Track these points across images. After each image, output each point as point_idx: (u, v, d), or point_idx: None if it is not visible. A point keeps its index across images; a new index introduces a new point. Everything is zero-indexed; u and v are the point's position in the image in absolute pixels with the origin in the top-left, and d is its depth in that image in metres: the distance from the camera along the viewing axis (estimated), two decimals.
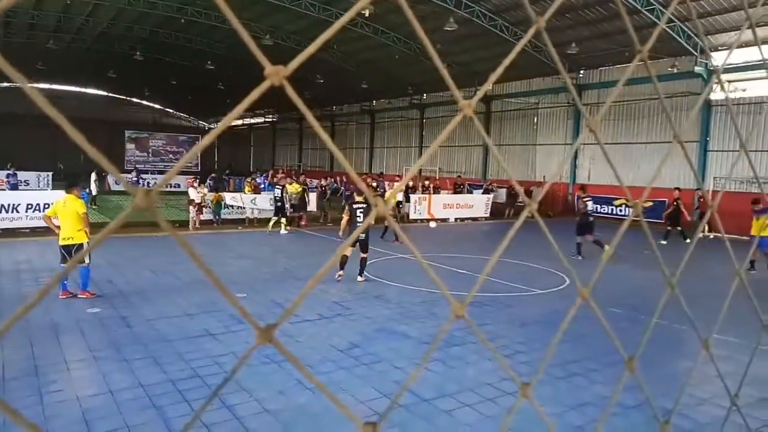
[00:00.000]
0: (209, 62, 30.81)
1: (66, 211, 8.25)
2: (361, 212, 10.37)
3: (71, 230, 8.26)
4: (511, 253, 13.82)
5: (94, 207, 21.43)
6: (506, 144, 29.64)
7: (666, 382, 5.70)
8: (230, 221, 18.38)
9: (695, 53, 20.30)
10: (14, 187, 24.52)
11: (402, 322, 7.78)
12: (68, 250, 8.28)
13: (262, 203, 18.72)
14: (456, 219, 21.88)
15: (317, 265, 12.02)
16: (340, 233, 11.15)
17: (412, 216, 20.65)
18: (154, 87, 43.52)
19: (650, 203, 20.86)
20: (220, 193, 18.93)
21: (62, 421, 4.61)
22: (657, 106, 22.70)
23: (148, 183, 33.89)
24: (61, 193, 9.12)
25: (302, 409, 4.92)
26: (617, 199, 23.07)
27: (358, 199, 10.72)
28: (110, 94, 47.81)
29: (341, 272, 10.22)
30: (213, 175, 25.97)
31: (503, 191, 25.07)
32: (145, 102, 50.42)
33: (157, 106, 51.70)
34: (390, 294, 9.50)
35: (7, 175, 26.00)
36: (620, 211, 22.89)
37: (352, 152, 42.37)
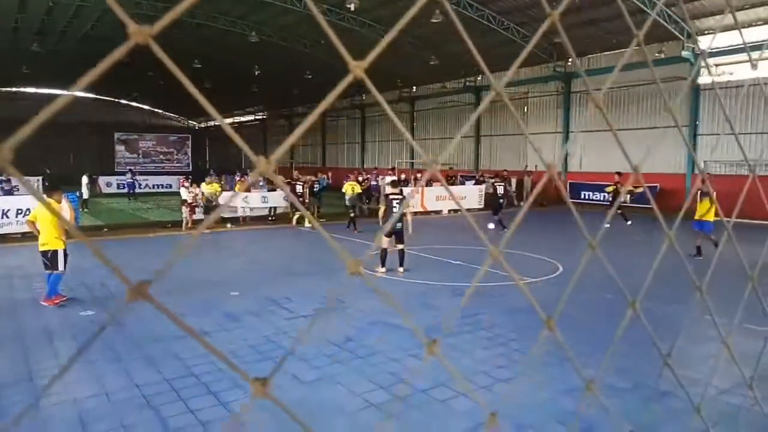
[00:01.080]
0: (196, 61, 30.62)
1: (44, 216, 8.09)
2: (397, 203, 10.58)
3: (47, 236, 8.15)
4: (506, 243, 13.87)
5: (86, 210, 21.30)
6: (497, 134, 29.69)
7: (657, 364, 5.75)
8: (223, 219, 18.31)
9: (682, 38, 20.37)
10: (9, 193, 24.34)
11: (397, 314, 7.77)
12: (44, 255, 8.17)
13: (254, 202, 18.67)
14: (449, 210, 21.91)
15: (311, 261, 12.04)
16: (381, 224, 11.27)
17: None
18: (141, 88, 43.21)
19: (641, 189, 20.96)
20: (218, 185, 18.52)
21: (59, 423, 4.61)
22: (644, 92, 22.78)
23: (140, 185, 33.74)
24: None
25: (298, 404, 4.93)
26: (608, 185, 23.15)
27: (393, 190, 10.90)
28: (98, 97, 47.42)
29: (383, 269, 10.32)
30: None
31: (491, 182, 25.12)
32: (133, 103, 50.08)
33: (146, 107, 51.35)
34: (385, 286, 9.50)
35: (1, 182, 25.80)
36: (611, 197, 22.98)
37: (344, 147, 42.30)
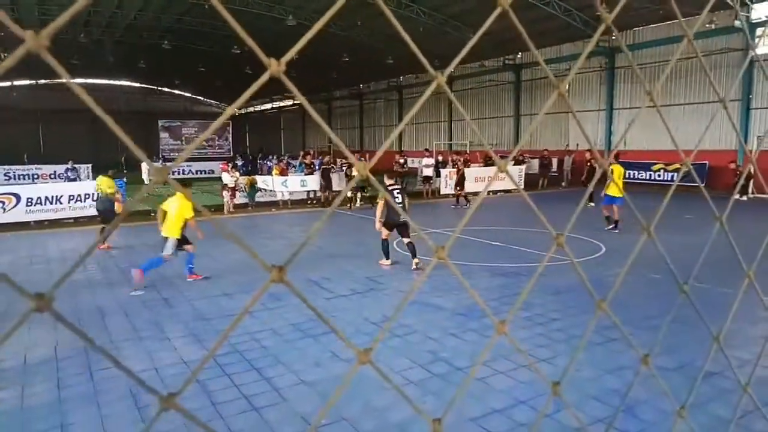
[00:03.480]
0: (235, 47, 30.97)
1: (168, 206, 8.66)
2: (398, 194, 9.71)
3: (170, 225, 8.66)
4: (550, 224, 13.65)
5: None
6: (537, 113, 29.02)
7: (707, 344, 5.58)
8: (264, 204, 18.66)
9: (735, 6, 19.33)
10: (72, 180, 25.63)
11: (435, 294, 7.81)
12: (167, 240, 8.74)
13: (293, 185, 18.91)
14: (488, 192, 21.65)
15: (349, 243, 12.15)
16: (377, 224, 9.59)
17: (443, 191, 20.54)
18: (183, 75, 44.13)
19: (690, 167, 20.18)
20: (252, 176, 19.25)
21: (111, 395, 4.84)
22: (693, 65, 21.82)
23: (183, 171, 34.55)
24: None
25: (338, 380, 5.02)
26: (655, 164, 22.42)
27: (389, 181, 9.93)
28: (142, 85, 48.73)
29: (387, 261, 9.64)
30: (241, 158, 26.48)
31: (536, 162, 24.64)
32: (176, 91, 51.22)
33: (188, 95, 52.48)
34: (403, 275, 9.51)
35: (66, 170, 27.31)
36: (658, 176, 22.26)
37: (381, 130, 42.22)
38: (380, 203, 9.66)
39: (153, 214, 16.92)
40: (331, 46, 29.78)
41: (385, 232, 9.55)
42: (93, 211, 15.61)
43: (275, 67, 0.54)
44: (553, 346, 5.89)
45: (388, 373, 5.19)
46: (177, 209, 8.57)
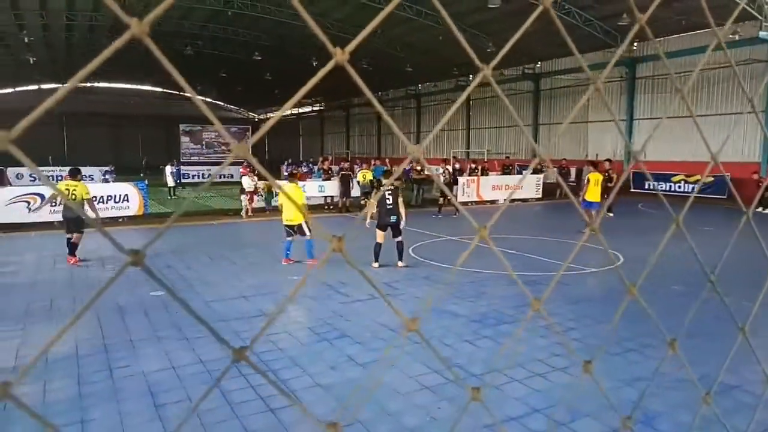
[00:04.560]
0: (256, 53, 31.35)
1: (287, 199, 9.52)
2: (389, 194, 9.81)
3: (292, 213, 9.86)
4: (566, 233, 13.55)
5: (174, 197, 22.97)
6: (556, 122, 28.90)
7: (725, 356, 5.51)
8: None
9: (759, 17, 19.09)
10: (106, 181, 26.90)
11: (451, 301, 7.80)
12: (290, 228, 10.10)
13: (311, 191, 19.04)
14: (505, 200, 21.58)
15: (363, 248, 12.18)
16: (366, 222, 9.95)
17: (460, 198, 20.51)
18: (205, 81, 44.71)
19: (711, 178, 19.93)
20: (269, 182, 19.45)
21: (130, 393, 4.91)
22: (716, 76, 21.56)
23: (203, 175, 34.91)
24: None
25: (353, 383, 5.05)
26: (675, 175, 22.17)
27: (386, 181, 10.08)
28: (165, 90, 49.46)
29: (375, 263, 9.82)
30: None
31: (554, 170, 24.48)
32: (197, 96, 51.95)
33: (209, 100, 53.13)
34: (438, 275, 9.52)
35: (105, 172, 28.17)
36: (678, 187, 22.01)
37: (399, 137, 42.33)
38: (370, 203, 10.09)
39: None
40: (350, 53, 30.00)
41: (379, 235, 9.78)
42: (115, 212, 15.92)
43: (340, 55, 0.58)
44: (569, 355, 5.84)
45: (404, 379, 5.22)
46: (294, 199, 9.36)
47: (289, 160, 39.78)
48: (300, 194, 10.28)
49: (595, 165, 15.39)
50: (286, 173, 25.49)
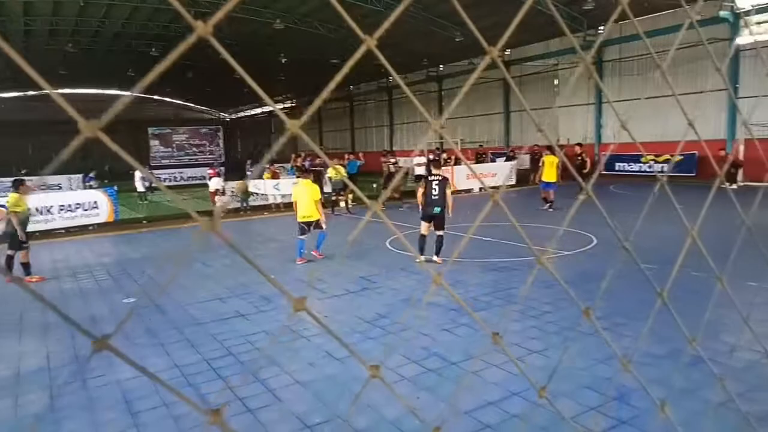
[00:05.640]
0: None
1: (301, 195, 10.19)
2: (437, 185, 9.42)
3: (309, 209, 10.07)
4: (539, 218, 13.71)
5: (145, 201, 22.52)
6: (526, 110, 29.15)
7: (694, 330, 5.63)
8: (256, 208, 18.66)
9: None
10: (151, 181, 26.41)
11: (427, 290, 7.83)
12: (308, 224, 10.17)
13: (285, 188, 18.91)
14: (480, 189, 21.72)
15: (342, 244, 12.15)
16: (420, 207, 9.75)
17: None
18: (172, 82, 43.98)
19: (680, 157, 20.37)
20: (244, 182, 19.29)
21: (105, 402, 4.83)
22: (680, 57, 21.95)
23: (174, 177, 34.47)
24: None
25: (332, 379, 5.03)
26: (643, 156, 22.56)
27: (436, 171, 9.76)
28: (133, 94, 48.53)
29: (422, 257, 9.41)
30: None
31: (527, 157, 24.73)
32: (166, 99, 51.05)
33: (178, 101, 52.31)
34: (415, 266, 9.53)
35: (88, 179, 27.96)
36: (648, 167, 22.42)
37: (372, 131, 42.26)
38: (419, 192, 9.61)
39: (144, 222, 16.94)
40: (320, 48, 29.79)
41: (423, 227, 9.40)
42: (85, 220, 15.60)
43: (370, 41, 0.66)
44: (545, 338, 5.92)
45: (383, 370, 5.21)
46: (309, 195, 10.10)
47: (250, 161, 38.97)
48: (316, 190, 10.20)
49: (551, 149, 16.34)
50: (249, 171, 25.26)
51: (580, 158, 17.54)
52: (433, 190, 9.39)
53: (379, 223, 11.19)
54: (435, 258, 9.45)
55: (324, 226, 10.20)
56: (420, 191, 9.56)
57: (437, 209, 9.39)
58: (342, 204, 17.72)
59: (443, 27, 25.43)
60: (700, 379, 4.64)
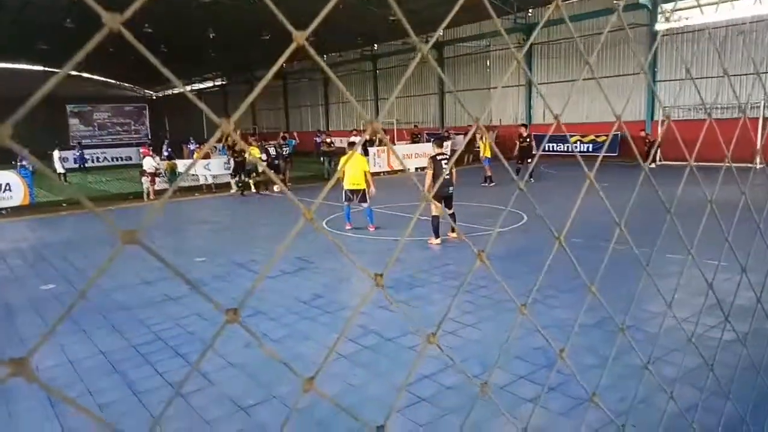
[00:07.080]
0: (146, 25, 29.29)
1: (354, 164, 10.43)
2: (446, 163, 9.19)
3: (359, 178, 10.34)
4: (471, 196, 13.99)
5: (67, 182, 21.18)
6: (461, 89, 29.53)
7: (624, 301, 5.93)
8: (187, 189, 17.95)
9: None
10: (83, 161, 29.04)
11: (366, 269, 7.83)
12: (355, 192, 10.50)
13: (217, 168, 18.31)
14: (416, 168, 21.90)
15: (275, 224, 11.95)
16: (428, 195, 9.44)
17: (372, 169, 20.54)
18: (91, 57, 41.28)
19: (604, 137, 21.32)
20: (173, 161, 18.50)
21: (23, 393, 4.52)
22: (606, 42, 22.84)
23: (97, 158, 32.75)
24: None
25: (267, 361, 4.94)
26: (572, 136, 23.46)
27: (438, 150, 9.53)
28: (46, 69, 45.28)
29: (437, 240, 9.26)
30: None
31: (460, 138, 25.12)
32: (84, 74, 47.97)
33: (99, 78, 49.31)
34: (354, 245, 9.51)
35: (20, 159, 25.91)
36: (575, 147, 23.32)
37: (307, 110, 41.60)
38: (428, 174, 9.17)
39: (64, 205, 15.90)
40: (251, 23, 28.80)
41: (437, 207, 8.84)
42: (11, 202, 14.54)
43: (300, 39, 0.67)
44: (478, 312, 6.06)
45: (320, 349, 5.18)
46: (359, 165, 10.43)
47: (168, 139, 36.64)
48: (365, 162, 10.86)
49: (492, 129, 16.87)
50: (165, 153, 24.27)
51: (527, 141, 17.49)
52: (444, 169, 9.12)
53: (316, 203, 11.03)
54: (451, 234, 9.42)
55: (368, 198, 10.56)
56: (429, 173, 9.15)
57: (450, 189, 9.23)
58: (253, 188, 17.32)
59: (377, 6, 25.19)
60: (625, 344, 4.89)
